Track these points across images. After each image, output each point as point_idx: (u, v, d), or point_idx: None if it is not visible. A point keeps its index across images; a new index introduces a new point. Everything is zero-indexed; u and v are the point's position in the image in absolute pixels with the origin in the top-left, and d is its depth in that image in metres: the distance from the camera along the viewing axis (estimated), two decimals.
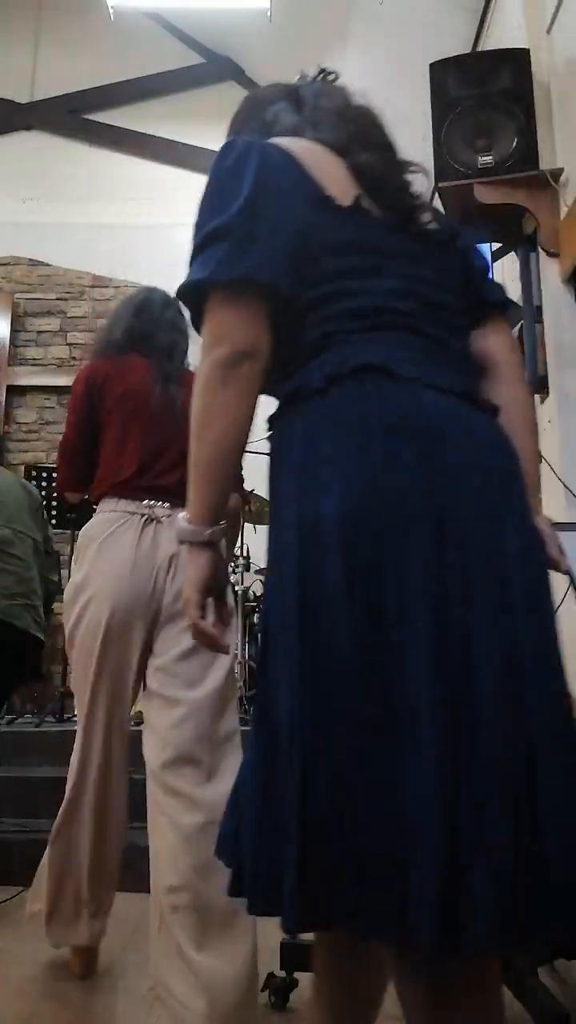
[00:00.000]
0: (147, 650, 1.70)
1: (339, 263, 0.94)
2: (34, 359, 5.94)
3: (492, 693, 0.77)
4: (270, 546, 0.91)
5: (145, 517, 1.68)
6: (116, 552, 1.66)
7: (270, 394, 0.98)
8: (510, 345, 1.07)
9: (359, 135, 1.04)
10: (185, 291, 0.94)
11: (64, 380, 5.37)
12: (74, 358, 5.88)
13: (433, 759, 0.75)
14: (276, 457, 0.94)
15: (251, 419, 0.92)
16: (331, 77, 1.18)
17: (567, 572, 0.96)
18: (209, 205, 0.96)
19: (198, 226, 0.95)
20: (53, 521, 3.55)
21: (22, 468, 4.35)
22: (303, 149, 1.00)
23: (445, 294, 1.00)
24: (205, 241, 0.93)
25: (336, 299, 0.93)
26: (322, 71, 1.20)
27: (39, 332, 6.01)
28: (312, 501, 0.84)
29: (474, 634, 0.79)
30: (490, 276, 1.09)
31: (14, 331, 5.95)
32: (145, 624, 1.68)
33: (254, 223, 0.91)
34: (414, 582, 0.79)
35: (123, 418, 1.77)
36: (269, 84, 1.21)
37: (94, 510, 1.78)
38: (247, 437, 0.92)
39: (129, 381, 1.80)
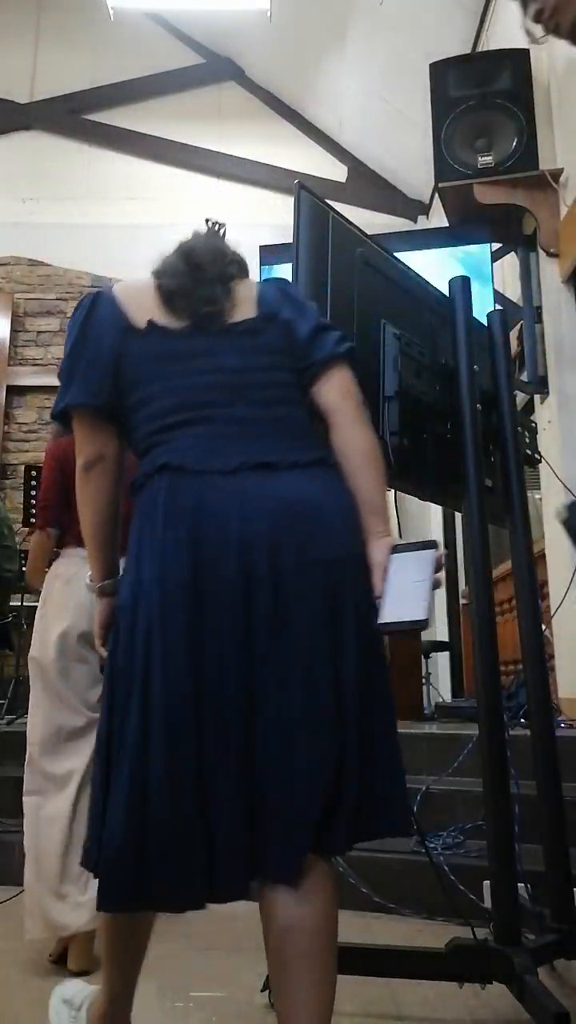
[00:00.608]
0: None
1: (144, 373, 1.20)
2: (34, 359, 5.94)
3: (223, 712, 1.05)
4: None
5: None
6: (80, 588, 1.91)
7: None
8: (341, 391, 1.23)
9: (173, 264, 1.27)
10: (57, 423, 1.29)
11: None
12: None
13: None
14: None
15: (112, 503, 1.23)
16: (214, 225, 1.42)
17: (377, 599, 1.12)
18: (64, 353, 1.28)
19: None
20: None
21: (22, 468, 4.35)
22: (126, 288, 1.28)
23: (257, 374, 1.21)
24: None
25: (148, 403, 1.19)
26: (206, 220, 1.43)
27: (39, 332, 6.01)
28: (132, 574, 1.13)
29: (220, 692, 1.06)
30: (319, 330, 1.25)
31: (14, 331, 5.95)
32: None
33: (77, 363, 1.22)
34: (175, 643, 1.06)
35: None
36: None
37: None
38: (112, 515, 1.24)
39: None
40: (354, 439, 1.20)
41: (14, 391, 5.85)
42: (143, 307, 1.23)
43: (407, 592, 1.11)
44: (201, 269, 1.25)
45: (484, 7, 4.58)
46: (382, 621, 1.09)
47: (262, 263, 4.04)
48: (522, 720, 2.85)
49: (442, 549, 1.14)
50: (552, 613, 3.18)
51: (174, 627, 1.06)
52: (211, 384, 1.18)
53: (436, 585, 1.10)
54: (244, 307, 1.25)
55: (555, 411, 3.53)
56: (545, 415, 3.63)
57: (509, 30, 4.15)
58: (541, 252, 3.65)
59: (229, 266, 1.28)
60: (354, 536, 1.15)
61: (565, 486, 3.25)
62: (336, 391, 1.22)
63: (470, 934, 1.45)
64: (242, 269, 1.32)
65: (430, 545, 1.14)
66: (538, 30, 1.00)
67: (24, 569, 4.19)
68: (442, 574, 1.13)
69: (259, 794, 1.04)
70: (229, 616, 1.07)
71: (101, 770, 1.09)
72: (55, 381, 1.63)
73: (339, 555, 1.13)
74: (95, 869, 1.06)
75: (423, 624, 1.08)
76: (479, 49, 4.60)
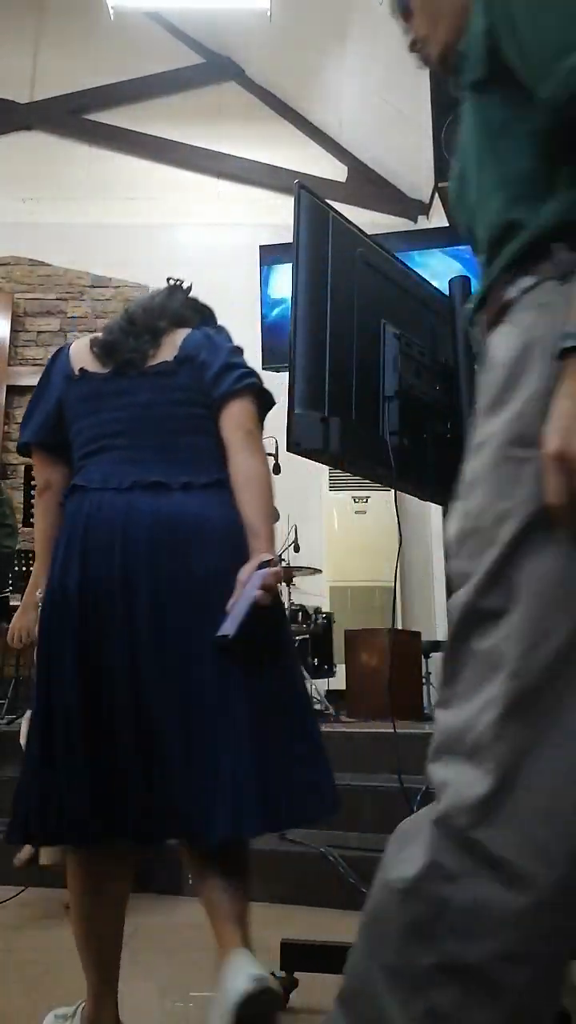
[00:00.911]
0: None
1: (75, 412, 1.45)
2: (34, 359, 5.94)
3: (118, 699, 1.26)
4: None
5: None
6: None
7: None
8: (233, 424, 1.41)
9: (115, 322, 1.52)
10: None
11: None
12: None
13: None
14: None
15: (54, 521, 1.45)
16: (177, 283, 1.63)
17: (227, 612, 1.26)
18: None
19: None
20: None
21: (23, 468, 4.36)
22: (77, 343, 1.53)
23: (167, 408, 1.41)
24: None
25: (78, 435, 1.44)
26: (168, 279, 1.64)
27: (39, 332, 6.01)
28: (48, 578, 1.37)
29: (109, 672, 1.27)
30: (224, 369, 1.43)
31: (14, 331, 5.95)
32: None
33: (33, 409, 1.50)
34: (67, 637, 1.29)
35: None
36: None
37: None
38: (52, 532, 1.44)
39: None
40: (238, 466, 1.37)
41: (14, 391, 5.85)
42: (83, 358, 1.48)
43: (238, 607, 1.26)
44: (134, 324, 1.49)
45: None
46: (217, 634, 1.24)
47: (262, 263, 4.05)
48: None
49: (273, 568, 1.29)
50: None
51: (67, 624, 1.29)
52: (124, 418, 1.40)
53: (258, 601, 1.25)
54: (166, 353, 1.46)
55: None
56: None
57: None
58: None
59: (161, 320, 1.50)
60: (233, 550, 1.32)
61: None
62: (229, 423, 1.40)
63: None
64: (178, 322, 1.52)
65: (272, 564, 1.29)
66: (416, 58, 1.02)
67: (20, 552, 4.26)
68: (272, 592, 1.28)
69: (159, 768, 1.24)
70: (112, 613, 1.27)
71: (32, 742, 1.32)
72: None
73: (211, 565, 1.30)
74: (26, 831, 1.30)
75: (225, 640, 1.23)
76: None
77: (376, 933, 0.77)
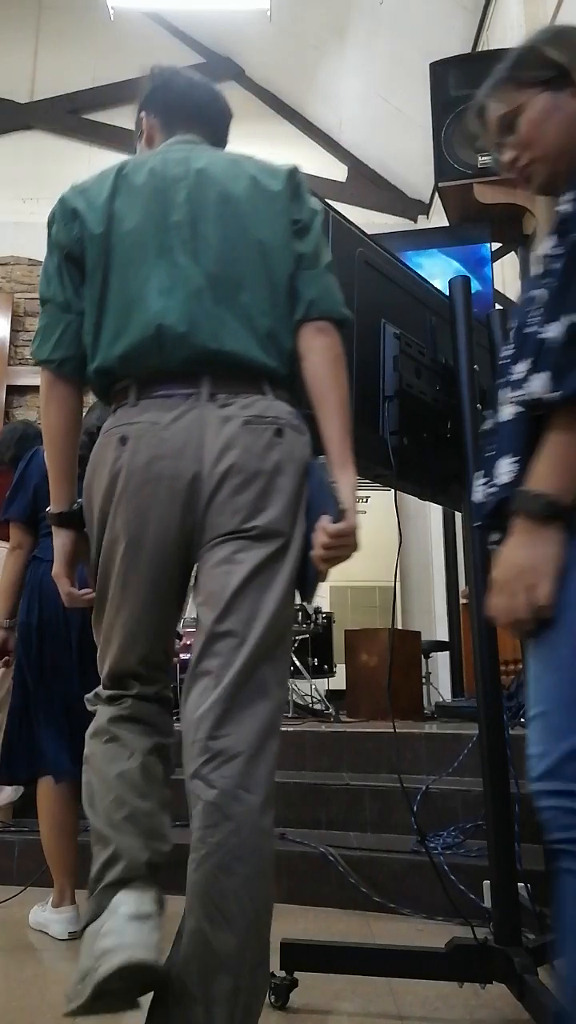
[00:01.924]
0: None
1: (44, 503, 1.81)
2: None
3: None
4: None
5: None
6: None
7: None
8: None
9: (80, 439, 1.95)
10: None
11: None
12: None
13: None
14: None
15: (21, 575, 2.18)
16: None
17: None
18: None
19: None
20: None
21: None
22: None
23: None
24: None
25: (41, 520, 2.13)
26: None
27: None
28: (20, 615, 2.16)
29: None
30: None
31: (14, 331, 5.95)
32: None
33: (17, 492, 2.17)
34: (32, 651, 2.12)
35: None
36: None
37: None
38: (20, 580, 2.18)
39: None
40: None
41: (14, 391, 5.85)
42: None
43: None
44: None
45: (484, 7, 4.58)
46: None
47: None
48: (522, 720, 2.85)
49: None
50: None
51: (31, 643, 2.09)
52: None
53: None
54: None
55: None
56: None
57: (509, 30, 4.15)
58: None
59: None
60: None
61: None
62: None
63: (470, 934, 1.45)
64: None
65: None
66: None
67: None
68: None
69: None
70: (57, 639, 2.09)
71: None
72: None
73: None
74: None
75: None
76: (479, 49, 4.60)
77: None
